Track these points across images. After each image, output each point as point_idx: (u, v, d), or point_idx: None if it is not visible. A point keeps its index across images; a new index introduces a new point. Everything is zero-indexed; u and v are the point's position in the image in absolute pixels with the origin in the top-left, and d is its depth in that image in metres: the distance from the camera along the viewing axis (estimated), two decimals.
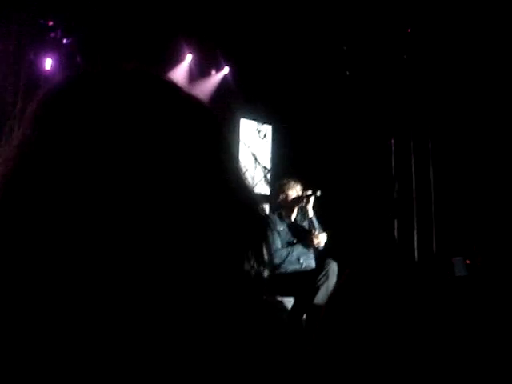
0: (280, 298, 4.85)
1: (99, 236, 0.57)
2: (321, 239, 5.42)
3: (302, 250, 5.40)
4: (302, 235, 5.45)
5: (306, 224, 5.56)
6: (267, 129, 8.93)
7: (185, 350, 0.57)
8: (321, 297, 4.88)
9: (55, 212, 0.57)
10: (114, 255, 0.57)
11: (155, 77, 0.70)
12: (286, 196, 5.60)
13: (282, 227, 5.45)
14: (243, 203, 0.68)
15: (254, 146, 8.75)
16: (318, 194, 5.51)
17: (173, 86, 0.71)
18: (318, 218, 5.62)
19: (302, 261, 5.34)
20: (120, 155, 0.60)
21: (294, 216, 5.53)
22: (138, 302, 0.56)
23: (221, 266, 0.63)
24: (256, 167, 8.66)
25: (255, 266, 0.66)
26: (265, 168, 8.74)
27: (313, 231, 5.47)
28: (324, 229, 5.59)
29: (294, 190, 5.59)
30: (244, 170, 0.70)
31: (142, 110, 0.63)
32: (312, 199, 5.51)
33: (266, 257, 0.68)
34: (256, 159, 8.70)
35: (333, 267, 4.99)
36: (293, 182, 5.63)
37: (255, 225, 0.69)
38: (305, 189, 5.61)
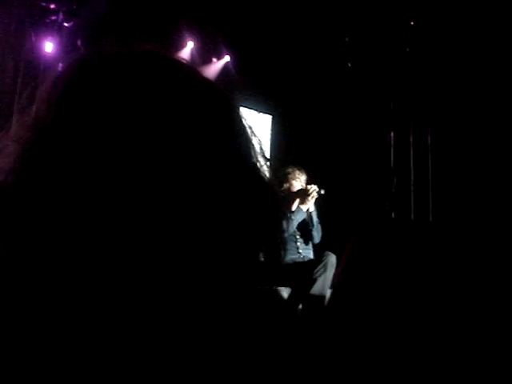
0: (277, 288, 4.87)
1: (105, 229, 0.56)
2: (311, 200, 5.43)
3: (301, 241, 5.41)
4: (300, 227, 5.43)
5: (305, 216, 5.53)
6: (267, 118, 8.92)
7: (186, 345, 0.56)
8: (317, 288, 4.89)
9: (70, 197, 0.56)
10: (130, 235, 0.56)
11: (171, 59, 0.69)
12: (290, 185, 5.54)
13: None
14: (260, 188, 0.67)
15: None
16: (322, 192, 5.47)
17: (189, 69, 0.70)
18: (317, 213, 5.61)
19: (300, 250, 5.35)
20: (140, 139, 0.59)
21: (294, 207, 5.48)
22: (143, 291, 0.56)
23: (236, 252, 0.62)
24: None
25: (269, 253, 0.66)
26: (264, 157, 8.71)
27: (309, 227, 5.46)
28: (322, 225, 5.59)
29: (299, 181, 5.55)
30: (259, 154, 0.69)
31: (159, 92, 0.62)
32: (315, 195, 5.47)
33: (280, 243, 0.68)
34: None
35: (331, 259, 4.99)
36: (298, 172, 5.58)
37: (273, 209, 0.68)
38: (309, 181, 5.58)
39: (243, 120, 0.69)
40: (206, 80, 0.70)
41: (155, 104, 0.61)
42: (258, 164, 0.68)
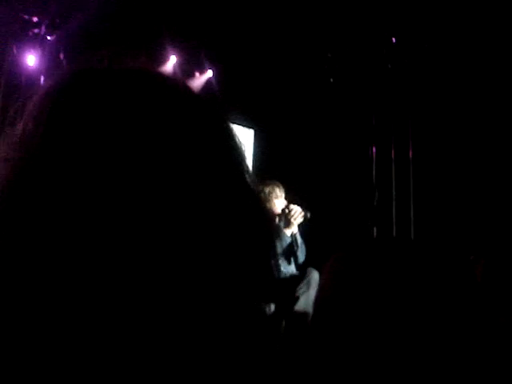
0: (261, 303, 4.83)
1: (106, 236, 0.56)
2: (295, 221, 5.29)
3: (282, 260, 5.30)
4: (284, 249, 5.30)
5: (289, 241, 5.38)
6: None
7: (183, 349, 0.56)
8: (301, 305, 4.87)
9: (65, 212, 0.56)
10: (125, 253, 0.56)
11: (163, 76, 0.69)
12: (273, 205, 5.31)
13: None
14: (251, 205, 0.66)
15: None
16: (308, 215, 5.35)
17: (178, 84, 0.70)
18: (300, 232, 5.49)
19: (282, 268, 5.27)
20: (132, 154, 0.58)
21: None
22: (140, 299, 0.56)
23: (227, 267, 0.61)
24: None
25: (261, 271, 0.65)
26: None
27: (294, 248, 5.34)
28: (304, 238, 5.50)
29: (281, 198, 5.37)
30: (248, 168, 0.69)
31: (154, 110, 0.62)
32: (300, 219, 5.33)
33: (272, 261, 0.67)
34: None
35: (314, 276, 4.95)
36: (278, 190, 5.38)
37: (265, 224, 0.68)
38: (291, 200, 5.46)
39: (235, 134, 0.69)
40: (198, 96, 0.70)
41: (150, 123, 0.61)
42: (247, 177, 0.68)
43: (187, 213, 0.59)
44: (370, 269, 1.07)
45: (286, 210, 5.33)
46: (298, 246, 5.36)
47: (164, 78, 0.69)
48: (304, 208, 5.34)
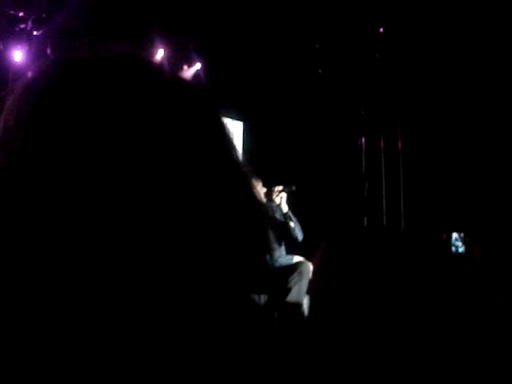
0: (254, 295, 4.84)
1: (98, 236, 0.54)
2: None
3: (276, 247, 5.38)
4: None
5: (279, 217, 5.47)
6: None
7: (183, 348, 0.56)
8: (293, 296, 4.89)
9: (52, 211, 0.54)
10: (116, 252, 0.55)
11: (143, 61, 0.65)
12: None
13: None
14: (245, 196, 0.65)
15: None
16: (294, 188, 5.48)
17: (168, 71, 0.66)
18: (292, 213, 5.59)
19: (276, 257, 5.32)
20: (118, 148, 0.56)
21: None
22: (139, 298, 0.55)
23: (225, 261, 0.60)
24: None
25: (257, 263, 0.64)
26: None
27: (290, 223, 5.43)
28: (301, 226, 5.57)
29: (259, 189, 5.49)
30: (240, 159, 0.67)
31: (136, 98, 0.59)
32: (284, 195, 5.47)
33: (267, 254, 0.65)
34: None
35: (306, 268, 4.99)
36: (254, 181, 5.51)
37: (260, 217, 0.66)
38: (273, 185, 5.56)
39: (226, 124, 0.67)
40: (187, 83, 0.67)
41: (140, 113, 0.58)
42: (240, 166, 0.66)
43: (182, 205, 0.57)
44: (361, 256, 1.07)
45: (268, 192, 5.49)
46: (294, 221, 5.44)
47: (149, 63, 0.65)
48: (284, 185, 5.48)
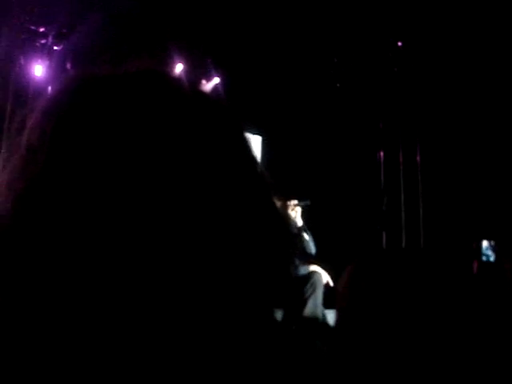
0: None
1: (111, 242, 0.54)
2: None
3: None
4: None
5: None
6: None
7: (185, 351, 0.55)
8: (309, 309, 4.86)
9: (72, 223, 0.54)
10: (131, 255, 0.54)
11: (164, 76, 0.65)
12: None
13: None
14: (270, 208, 0.64)
15: None
16: (309, 202, 5.50)
17: (191, 86, 0.65)
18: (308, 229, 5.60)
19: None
20: (144, 164, 0.56)
21: None
22: (142, 301, 0.54)
23: (249, 273, 0.59)
24: None
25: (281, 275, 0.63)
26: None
27: (304, 236, 5.44)
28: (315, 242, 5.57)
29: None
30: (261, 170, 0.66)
31: (159, 114, 0.59)
32: (299, 209, 5.48)
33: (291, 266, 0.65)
34: None
35: (319, 278, 4.98)
36: None
37: (284, 229, 0.65)
38: (289, 199, 5.58)
39: (247, 137, 0.66)
40: (210, 97, 0.66)
41: (165, 129, 0.58)
42: (264, 182, 0.65)
43: (207, 218, 0.57)
44: (384, 282, 1.07)
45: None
46: (309, 234, 5.46)
47: (173, 79, 0.65)
48: (298, 199, 5.48)
